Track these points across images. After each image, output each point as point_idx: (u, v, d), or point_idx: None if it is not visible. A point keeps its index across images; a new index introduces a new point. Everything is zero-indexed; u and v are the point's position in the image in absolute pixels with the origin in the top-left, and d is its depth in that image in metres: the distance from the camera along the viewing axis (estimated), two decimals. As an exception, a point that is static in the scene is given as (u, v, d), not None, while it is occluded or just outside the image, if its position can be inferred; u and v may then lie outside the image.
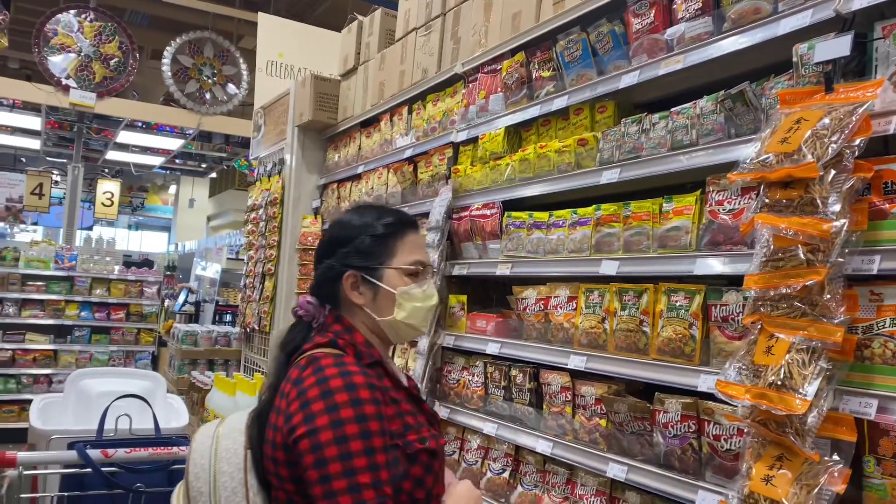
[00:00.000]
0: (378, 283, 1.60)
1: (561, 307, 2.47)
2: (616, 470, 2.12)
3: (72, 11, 8.10)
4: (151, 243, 22.59)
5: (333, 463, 1.34)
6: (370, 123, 4.07)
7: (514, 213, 2.76)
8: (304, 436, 1.37)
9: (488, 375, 2.80)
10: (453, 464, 2.88)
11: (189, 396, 4.64)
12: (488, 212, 2.89)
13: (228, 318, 10.09)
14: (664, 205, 2.14)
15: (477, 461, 2.79)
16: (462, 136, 3.13)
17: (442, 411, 2.98)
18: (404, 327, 1.62)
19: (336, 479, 1.33)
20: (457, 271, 3.06)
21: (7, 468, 2.36)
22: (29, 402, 4.07)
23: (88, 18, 8.16)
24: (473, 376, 2.89)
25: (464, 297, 3.03)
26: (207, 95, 8.63)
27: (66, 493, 2.50)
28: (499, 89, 2.92)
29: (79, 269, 7.90)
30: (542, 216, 2.63)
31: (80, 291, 7.89)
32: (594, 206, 2.39)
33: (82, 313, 7.90)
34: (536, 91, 2.71)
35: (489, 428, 2.70)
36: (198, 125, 8.56)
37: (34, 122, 9.55)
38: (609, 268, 2.25)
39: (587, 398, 2.31)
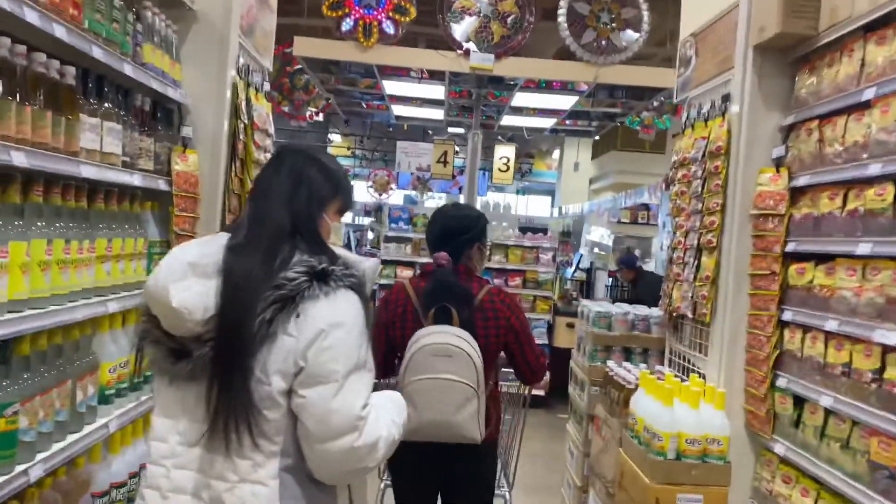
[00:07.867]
0: None
1: None
2: None
3: (471, -27, 7.95)
4: (536, 207, 23.21)
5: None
6: (878, 27, 2.68)
7: None
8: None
9: None
10: None
11: (606, 392, 3.85)
12: None
13: (627, 285, 9.38)
14: None
15: None
16: None
17: None
18: None
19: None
20: None
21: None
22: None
23: (486, -23, 7.94)
24: None
25: None
26: (604, 43, 7.82)
27: None
28: None
29: (480, 236, 7.87)
30: None
31: (481, 258, 7.87)
32: None
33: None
34: None
35: None
36: (595, 77, 7.82)
37: (438, 92, 9.92)
38: None
39: None
